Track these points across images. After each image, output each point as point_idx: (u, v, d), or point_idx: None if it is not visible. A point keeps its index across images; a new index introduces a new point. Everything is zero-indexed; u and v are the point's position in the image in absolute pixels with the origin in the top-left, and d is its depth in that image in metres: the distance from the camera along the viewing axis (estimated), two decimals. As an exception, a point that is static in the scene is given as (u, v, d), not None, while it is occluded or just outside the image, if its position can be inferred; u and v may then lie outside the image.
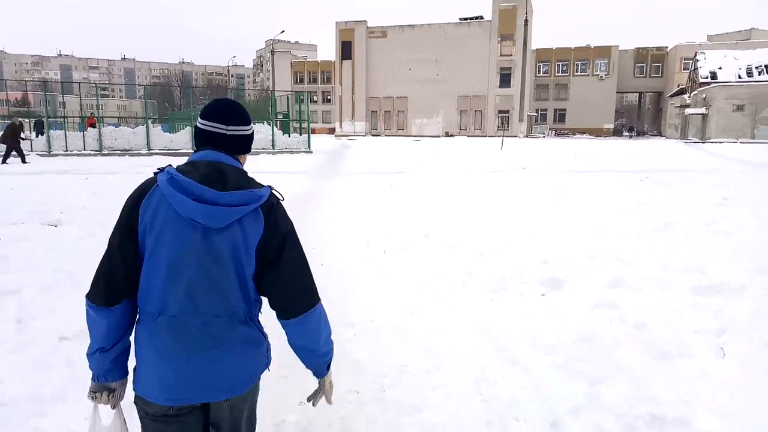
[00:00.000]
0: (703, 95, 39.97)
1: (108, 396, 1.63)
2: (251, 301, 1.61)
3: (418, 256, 6.08)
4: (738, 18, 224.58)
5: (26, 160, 18.53)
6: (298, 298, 1.64)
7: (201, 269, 1.51)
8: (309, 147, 26.58)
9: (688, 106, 43.63)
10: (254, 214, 1.55)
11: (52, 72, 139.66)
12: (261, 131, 26.01)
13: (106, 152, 22.54)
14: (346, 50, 57.99)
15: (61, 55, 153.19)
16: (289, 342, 1.69)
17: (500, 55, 53.45)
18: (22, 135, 19.10)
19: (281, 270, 1.59)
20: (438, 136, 53.12)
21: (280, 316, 1.65)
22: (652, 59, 63.77)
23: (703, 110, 38.98)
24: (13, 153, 18.36)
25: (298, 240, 1.66)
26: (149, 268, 1.53)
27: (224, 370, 1.56)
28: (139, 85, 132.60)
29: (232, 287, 1.55)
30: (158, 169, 1.57)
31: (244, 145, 1.70)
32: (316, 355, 1.71)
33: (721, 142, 34.93)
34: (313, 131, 28.87)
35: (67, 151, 22.15)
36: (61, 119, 26.65)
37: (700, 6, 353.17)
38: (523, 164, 18.98)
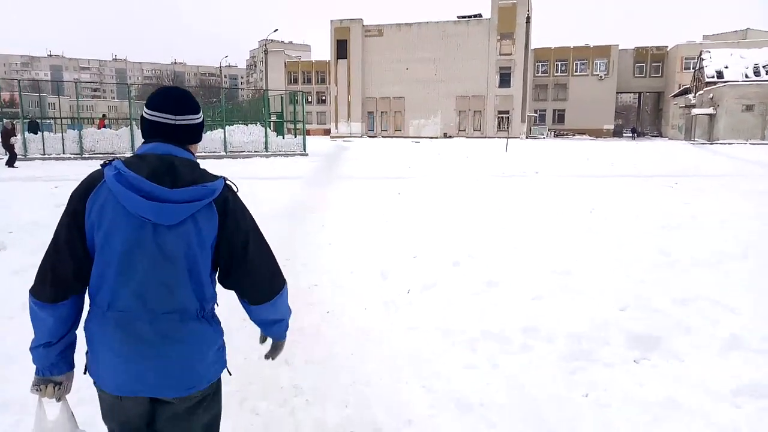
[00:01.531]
0: (710, 95, 38.85)
1: (54, 389, 1.58)
2: (205, 298, 1.56)
3: (451, 296, 4.70)
4: (730, 18, 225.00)
5: (15, 164, 17.43)
6: (269, 285, 1.65)
7: (152, 266, 1.47)
8: (304, 149, 25.18)
9: (693, 106, 42.51)
10: (207, 209, 1.51)
11: (42, 72, 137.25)
12: (254, 133, 24.58)
13: (87, 156, 21.03)
14: (341, 49, 56.53)
15: (51, 55, 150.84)
16: (255, 320, 1.70)
17: (500, 54, 52.16)
18: (12, 139, 18.03)
19: (249, 265, 1.58)
20: (436, 138, 51.81)
21: (251, 303, 1.64)
22: (652, 59, 62.83)
23: (710, 110, 37.84)
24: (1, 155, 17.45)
25: (258, 228, 1.63)
26: (100, 263, 1.49)
27: (173, 367, 1.52)
28: (132, 84, 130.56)
29: (184, 284, 1.51)
30: (104, 162, 1.50)
31: (194, 134, 1.63)
32: (284, 322, 1.75)
33: (730, 143, 33.81)
34: (308, 132, 27.45)
35: (44, 154, 20.63)
36: (48, 120, 25.19)
37: (695, 6, 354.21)
38: (534, 168, 17.71)
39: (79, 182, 1.52)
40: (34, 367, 1.58)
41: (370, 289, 4.97)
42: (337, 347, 3.68)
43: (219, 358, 1.64)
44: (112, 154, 21.31)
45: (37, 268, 1.53)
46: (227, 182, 1.58)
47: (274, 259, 1.67)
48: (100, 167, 1.51)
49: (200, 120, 1.64)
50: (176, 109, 1.57)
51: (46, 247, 1.53)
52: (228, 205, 1.55)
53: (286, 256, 5.90)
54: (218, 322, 1.64)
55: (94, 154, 21.27)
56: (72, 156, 20.85)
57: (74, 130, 22.05)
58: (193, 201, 1.47)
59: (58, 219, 1.53)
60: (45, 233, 6.41)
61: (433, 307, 4.45)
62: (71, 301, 1.53)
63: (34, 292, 1.53)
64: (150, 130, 1.57)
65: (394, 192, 11.68)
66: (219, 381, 1.68)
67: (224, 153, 23.06)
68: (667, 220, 8.06)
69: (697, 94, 42.71)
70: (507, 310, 4.31)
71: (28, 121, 22.70)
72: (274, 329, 1.75)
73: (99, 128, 22.09)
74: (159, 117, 1.55)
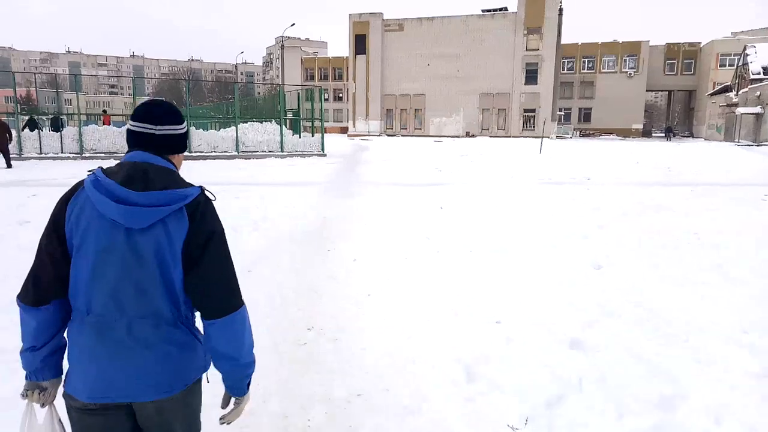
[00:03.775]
0: (757, 93, 36.11)
1: (39, 394, 1.60)
2: (179, 303, 1.55)
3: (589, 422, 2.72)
4: (761, 16, 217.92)
5: (10, 164, 15.92)
6: (221, 299, 1.57)
7: (124, 269, 1.48)
8: (323, 149, 23.27)
9: (736, 104, 39.74)
10: (178, 214, 1.51)
11: (61, 69, 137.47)
12: (268, 131, 22.73)
13: (87, 155, 19.37)
14: (360, 45, 54.36)
15: (69, 52, 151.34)
16: (211, 350, 1.61)
17: (526, 50, 49.57)
18: (8, 137, 16.50)
19: (204, 268, 1.53)
20: (458, 137, 49.59)
21: (203, 317, 1.58)
22: (684, 55, 60.03)
23: (757, 109, 35.09)
24: None
25: (225, 241, 1.59)
26: (76, 267, 1.51)
27: (147, 371, 1.51)
28: (151, 78, 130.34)
29: (156, 288, 1.50)
30: (89, 170, 1.55)
31: (176, 144, 1.64)
32: (238, 365, 1.62)
33: (782, 145, 31.18)
34: (326, 131, 25.52)
35: (41, 153, 18.99)
36: (63, 116, 23.64)
37: (722, 2, 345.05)
38: (583, 173, 15.58)
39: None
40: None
41: (451, 398, 2.99)
42: None
43: (197, 360, 1.61)
44: (114, 153, 19.62)
45: None
46: (205, 191, 1.58)
47: (234, 276, 1.60)
48: (87, 175, 1.55)
49: (182, 130, 1.65)
50: (159, 119, 1.60)
51: None
52: (199, 212, 1.53)
53: (307, 323, 3.98)
54: (197, 329, 1.62)
55: (96, 153, 19.58)
56: (71, 155, 19.18)
57: (89, 126, 20.45)
58: (161, 205, 1.47)
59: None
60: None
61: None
62: (53, 305, 1.54)
63: (19, 295, 1.56)
64: (132, 140, 1.61)
65: (432, 204, 9.69)
66: (198, 381, 1.64)
67: (236, 153, 21.26)
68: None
69: (740, 92, 39.92)
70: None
71: (51, 117, 21.25)
72: (232, 373, 1.61)
73: (104, 125, 20.33)
74: (141, 127, 1.59)
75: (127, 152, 1.61)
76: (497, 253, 6.10)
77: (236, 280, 1.61)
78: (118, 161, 1.59)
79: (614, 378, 3.22)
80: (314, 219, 8.17)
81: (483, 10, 51.85)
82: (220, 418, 1.66)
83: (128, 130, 1.62)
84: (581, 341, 3.71)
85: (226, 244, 1.59)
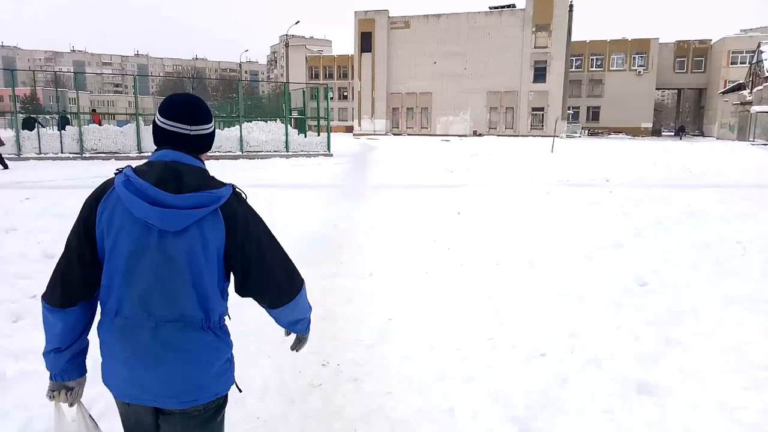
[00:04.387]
0: (772, 90, 35.31)
1: (66, 394, 1.59)
2: (209, 307, 1.51)
3: None
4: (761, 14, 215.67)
5: (6, 165, 15.35)
6: (288, 288, 1.61)
7: (155, 272, 1.45)
8: (329, 149, 22.68)
9: (750, 103, 38.89)
10: (213, 216, 1.47)
11: (66, 68, 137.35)
12: (273, 130, 22.16)
13: (87, 155, 18.84)
14: (365, 42, 53.70)
15: (74, 51, 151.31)
16: (278, 322, 1.69)
17: (534, 47, 48.79)
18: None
19: (266, 272, 1.55)
20: (465, 136, 48.91)
21: (271, 307, 1.62)
22: (694, 53, 59.10)
23: (773, 108, 34.29)
24: None
25: (270, 232, 1.58)
26: (108, 269, 1.49)
27: (173, 377, 1.48)
28: (156, 76, 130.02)
29: (187, 292, 1.47)
30: (117, 170, 1.51)
31: (206, 144, 1.62)
32: (304, 320, 1.73)
33: (798, 144, 30.39)
34: (331, 130, 24.91)
35: (40, 153, 18.48)
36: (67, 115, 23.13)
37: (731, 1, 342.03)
38: (601, 174, 14.93)
39: (93, 189, 1.53)
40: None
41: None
42: None
43: (225, 372, 1.58)
44: (116, 153, 19.10)
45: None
46: (236, 190, 1.55)
47: (290, 260, 1.62)
48: (114, 174, 1.51)
49: (212, 129, 1.63)
50: (191, 119, 1.55)
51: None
52: (236, 213, 1.50)
53: (322, 356, 3.40)
54: (227, 334, 1.59)
55: (96, 153, 19.05)
56: (71, 155, 18.65)
57: (89, 126, 19.88)
58: (197, 207, 1.44)
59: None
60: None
61: None
62: (80, 307, 1.53)
63: (45, 296, 1.54)
64: (162, 138, 1.56)
65: (448, 208, 9.09)
66: (225, 398, 1.62)
67: (240, 153, 20.69)
68: None
69: (754, 90, 39.06)
70: None
71: (59, 116, 20.76)
72: (297, 327, 1.74)
73: (97, 123, 19.75)
74: (173, 126, 1.54)
75: (156, 150, 1.55)
76: (527, 267, 5.50)
77: (292, 263, 1.63)
78: (148, 159, 1.54)
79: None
80: (324, 226, 7.59)
81: (490, 7, 51.13)
82: (291, 347, 1.80)
83: (159, 128, 1.56)
84: (648, 383, 3.10)
85: (271, 233, 1.59)
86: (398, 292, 4.75)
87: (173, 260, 1.44)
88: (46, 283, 1.53)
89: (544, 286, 4.87)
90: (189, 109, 1.55)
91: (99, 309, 1.57)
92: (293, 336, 1.81)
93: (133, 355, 1.47)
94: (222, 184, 1.52)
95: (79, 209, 1.51)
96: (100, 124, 19.21)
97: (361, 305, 4.38)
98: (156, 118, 1.57)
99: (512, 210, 9.05)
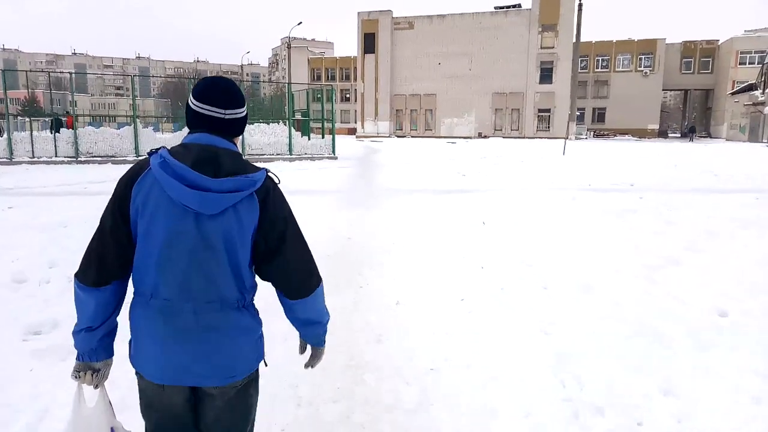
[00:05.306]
0: (786, 91, 34.42)
1: (92, 376, 1.58)
2: (245, 288, 1.55)
3: None
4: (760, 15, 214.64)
5: None
6: (305, 281, 1.61)
7: (193, 254, 1.46)
8: (333, 152, 21.89)
9: (762, 103, 38.03)
10: (249, 200, 1.49)
11: (67, 71, 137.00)
12: (276, 133, 21.36)
13: (83, 159, 18.05)
14: (369, 43, 52.86)
15: (75, 53, 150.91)
16: (291, 318, 1.67)
17: (541, 48, 47.94)
18: None
19: (286, 258, 1.56)
20: (470, 138, 48.08)
21: (287, 297, 1.62)
22: (701, 53, 58.31)
23: (788, 108, 33.41)
24: None
25: (297, 223, 1.61)
26: (142, 250, 1.48)
27: (214, 356, 1.51)
28: (157, 77, 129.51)
29: (224, 273, 1.49)
30: (151, 150, 1.50)
31: (240, 127, 1.62)
32: (321, 325, 1.70)
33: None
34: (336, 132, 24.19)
35: (33, 157, 17.69)
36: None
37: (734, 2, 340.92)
38: (623, 178, 14.11)
39: (127, 169, 1.52)
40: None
41: None
42: None
43: (257, 348, 1.62)
44: (113, 157, 18.30)
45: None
46: (269, 174, 1.57)
47: (311, 256, 1.63)
48: (146, 155, 1.49)
49: (245, 113, 1.63)
50: (226, 103, 1.54)
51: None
52: (269, 197, 1.53)
53: (348, 425, 2.58)
54: (257, 312, 1.63)
55: (92, 156, 18.25)
56: (66, 159, 17.86)
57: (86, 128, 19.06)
58: (235, 191, 1.45)
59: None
60: None
61: None
62: (113, 286, 1.53)
63: (78, 275, 1.53)
64: (197, 122, 1.55)
65: (470, 216, 8.27)
66: (257, 372, 1.66)
67: (242, 156, 19.87)
68: None
69: (766, 91, 38.21)
70: None
71: (53, 118, 19.94)
72: (310, 332, 1.71)
73: (68, 128, 18.82)
74: (209, 111, 1.53)
75: (190, 133, 1.57)
76: (582, 292, 4.67)
77: (313, 260, 1.63)
78: (182, 141, 1.55)
79: None
80: (336, 240, 6.77)
81: (496, 7, 50.35)
82: (305, 365, 1.75)
83: (191, 110, 1.56)
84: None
85: (298, 226, 1.61)
86: (434, 327, 3.92)
87: (210, 243, 1.45)
88: (79, 262, 1.52)
89: (610, 320, 4.04)
90: (223, 93, 1.54)
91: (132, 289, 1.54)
92: (308, 353, 1.75)
93: (173, 337, 1.47)
94: (257, 169, 1.53)
95: (114, 188, 1.50)
96: (72, 128, 18.27)
97: (393, 348, 3.55)
98: (190, 101, 1.56)
99: (540, 218, 8.23)
